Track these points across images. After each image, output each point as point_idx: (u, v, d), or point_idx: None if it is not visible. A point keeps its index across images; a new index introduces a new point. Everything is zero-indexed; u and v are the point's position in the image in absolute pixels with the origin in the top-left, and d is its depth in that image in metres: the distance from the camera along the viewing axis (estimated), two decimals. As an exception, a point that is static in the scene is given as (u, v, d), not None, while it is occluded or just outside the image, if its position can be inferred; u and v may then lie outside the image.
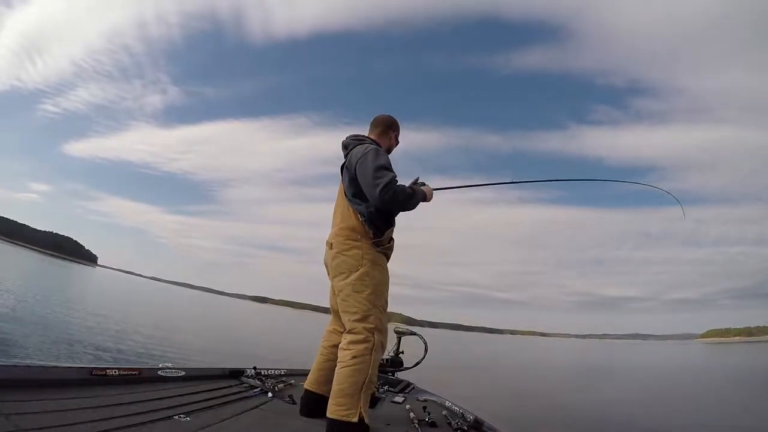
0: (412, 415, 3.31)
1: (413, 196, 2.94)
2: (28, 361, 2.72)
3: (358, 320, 2.79)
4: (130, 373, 2.97)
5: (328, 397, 2.75)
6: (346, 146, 3.18)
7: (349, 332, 2.80)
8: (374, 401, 3.71)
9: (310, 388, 3.03)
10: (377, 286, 2.89)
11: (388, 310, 3.00)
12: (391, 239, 3.07)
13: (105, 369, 2.83)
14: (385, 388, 4.31)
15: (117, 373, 2.87)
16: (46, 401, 2.24)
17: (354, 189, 2.96)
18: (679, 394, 15.82)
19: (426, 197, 3.11)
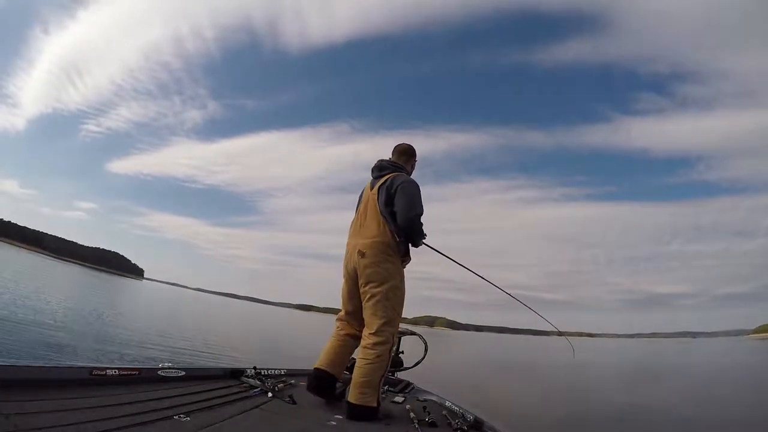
0: (412, 415, 3.33)
1: (424, 237, 3.57)
2: (28, 361, 2.79)
3: (384, 324, 3.32)
4: (130, 373, 3.00)
5: (335, 377, 3.49)
6: (383, 168, 3.72)
7: (375, 333, 3.30)
8: None
9: (323, 367, 3.48)
10: (401, 297, 3.46)
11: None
12: (410, 259, 3.63)
13: (105, 369, 2.86)
14: (385, 388, 4.30)
15: (117, 373, 2.90)
16: (46, 401, 2.24)
17: (392, 210, 3.44)
18: (726, 393, 15.21)
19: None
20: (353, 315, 3.63)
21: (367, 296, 3.40)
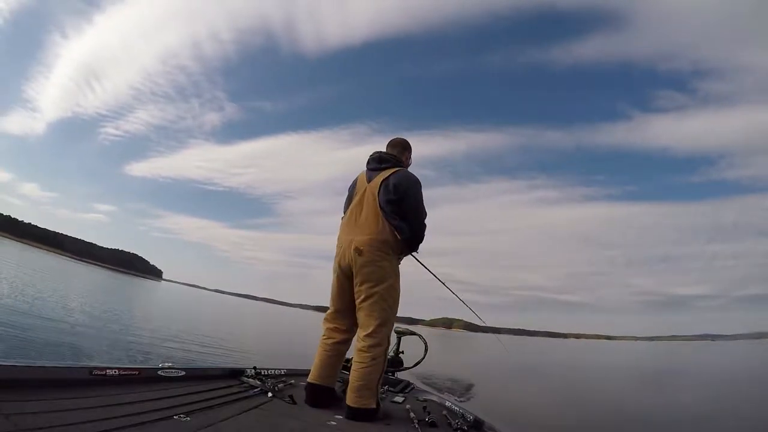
0: (412, 415, 3.32)
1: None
2: (28, 361, 2.81)
3: (379, 325, 3.21)
4: (130, 373, 3.00)
5: (331, 388, 3.39)
6: (383, 160, 3.53)
7: (369, 335, 3.20)
8: None
9: (316, 382, 3.33)
10: (397, 297, 3.36)
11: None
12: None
13: (105, 369, 2.85)
14: (385, 388, 4.30)
15: (117, 373, 2.90)
16: (46, 401, 2.25)
17: (395, 207, 3.30)
18: (742, 396, 14.95)
19: None
20: (342, 313, 3.46)
21: (363, 296, 3.26)
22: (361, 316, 3.28)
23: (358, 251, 3.23)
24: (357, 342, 3.28)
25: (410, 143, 3.80)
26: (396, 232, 3.26)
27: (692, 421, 9.96)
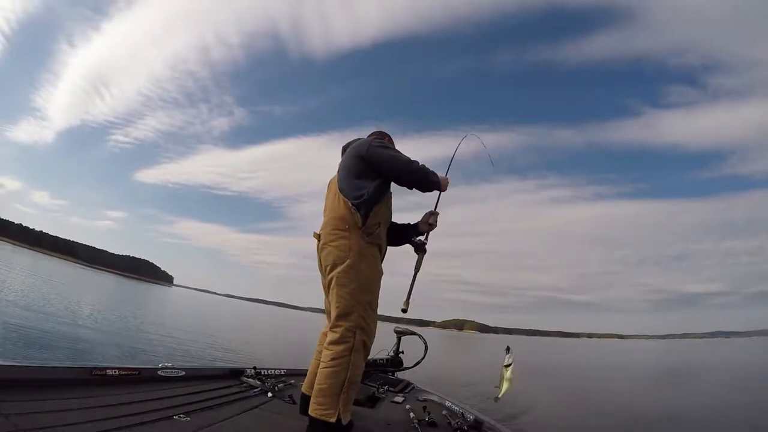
0: (412, 415, 3.31)
1: (424, 171, 2.88)
2: (28, 362, 2.85)
3: (339, 317, 2.68)
4: (130, 373, 3.03)
5: None
6: (346, 147, 3.17)
7: (331, 330, 2.70)
8: (374, 401, 3.74)
9: (308, 392, 2.91)
10: (364, 281, 2.73)
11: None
12: (379, 224, 2.86)
13: (105, 369, 2.89)
14: (385, 388, 4.31)
15: (117, 373, 2.94)
16: (46, 401, 2.27)
17: (345, 172, 2.90)
18: (759, 394, 14.77)
19: (441, 185, 3.03)
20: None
21: (327, 286, 2.81)
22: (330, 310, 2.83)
23: (317, 236, 2.88)
24: None
25: (385, 132, 3.35)
26: (349, 205, 2.77)
27: (707, 420, 9.88)
